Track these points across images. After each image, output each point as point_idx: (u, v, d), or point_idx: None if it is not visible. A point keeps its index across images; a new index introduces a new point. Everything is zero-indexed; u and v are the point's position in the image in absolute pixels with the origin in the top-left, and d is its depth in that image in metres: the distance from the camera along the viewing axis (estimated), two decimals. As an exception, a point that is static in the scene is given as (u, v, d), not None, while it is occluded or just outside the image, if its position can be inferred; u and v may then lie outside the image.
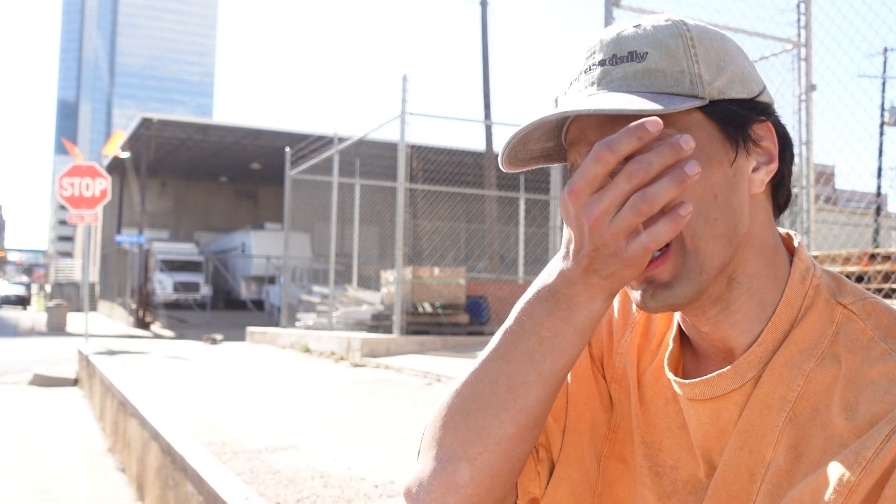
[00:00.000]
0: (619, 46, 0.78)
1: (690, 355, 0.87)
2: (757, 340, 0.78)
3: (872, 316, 0.77)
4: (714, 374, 0.79)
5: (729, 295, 0.79)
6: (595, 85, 0.78)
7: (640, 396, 0.88)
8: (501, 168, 0.83)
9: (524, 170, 0.86)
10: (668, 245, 0.76)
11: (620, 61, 0.77)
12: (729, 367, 0.79)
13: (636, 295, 0.79)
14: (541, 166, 0.86)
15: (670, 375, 0.84)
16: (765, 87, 0.82)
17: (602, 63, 0.78)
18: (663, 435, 0.85)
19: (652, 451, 0.85)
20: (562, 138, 0.84)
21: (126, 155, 19.00)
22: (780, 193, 0.83)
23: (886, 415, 0.70)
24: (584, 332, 0.75)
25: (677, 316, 0.89)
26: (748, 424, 0.77)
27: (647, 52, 0.77)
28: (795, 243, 0.85)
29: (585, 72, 0.79)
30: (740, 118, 0.78)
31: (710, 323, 0.81)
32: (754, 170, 0.80)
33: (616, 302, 0.96)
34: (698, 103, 0.75)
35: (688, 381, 0.81)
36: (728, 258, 0.78)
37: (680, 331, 0.89)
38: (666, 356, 0.87)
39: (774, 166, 0.80)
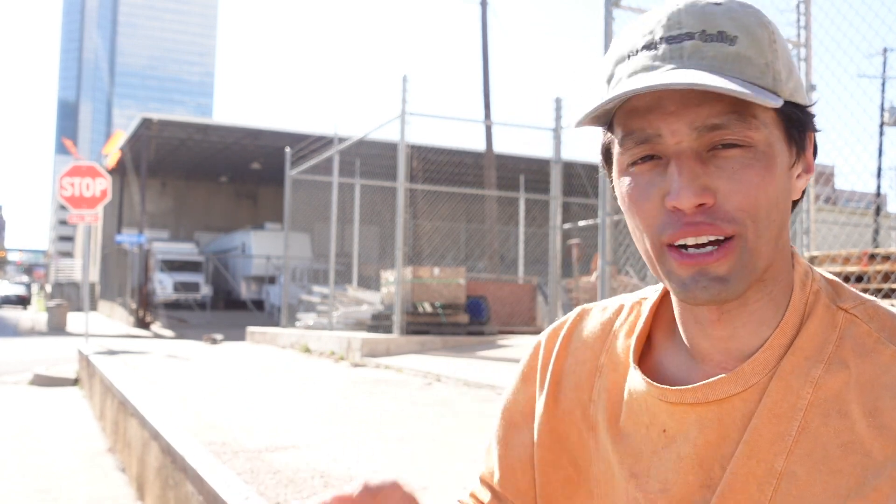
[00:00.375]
0: (707, 22, 0.75)
1: (684, 359, 0.85)
2: (764, 345, 0.78)
3: (875, 318, 0.77)
4: (716, 378, 0.78)
5: (752, 294, 0.79)
6: (684, 58, 0.74)
7: (622, 431, 0.86)
8: (574, 126, 0.80)
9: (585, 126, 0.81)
10: (728, 238, 0.74)
11: (710, 39, 0.74)
12: (733, 371, 0.78)
13: (682, 285, 0.76)
14: (592, 126, 0.82)
15: (646, 384, 0.83)
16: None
17: (690, 36, 0.74)
18: (650, 461, 0.83)
19: (642, 480, 0.83)
20: (616, 105, 0.79)
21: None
22: (798, 201, 0.84)
23: None
24: None
25: (635, 336, 0.88)
26: (757, 434, 0.76)
27: (736, 37, 0.74)
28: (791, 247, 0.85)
29: (668, 41, 0.75)
30: (803, 124, 0.78)
31: (726, 318, 0.79)
32: (798, 177, 0.80)
33: (572, 354, 0.94)
34: (781, 101, 0.73)
35: (689, 386, 0.80)
36: (772, 261, 0.78)
37: (644, 346, 0.89)
38: (641, 379, 0.85)
39: (811, 175, 0.81)
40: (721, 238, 0.74)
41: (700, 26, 0.74)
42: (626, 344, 0.90)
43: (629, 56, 0.77)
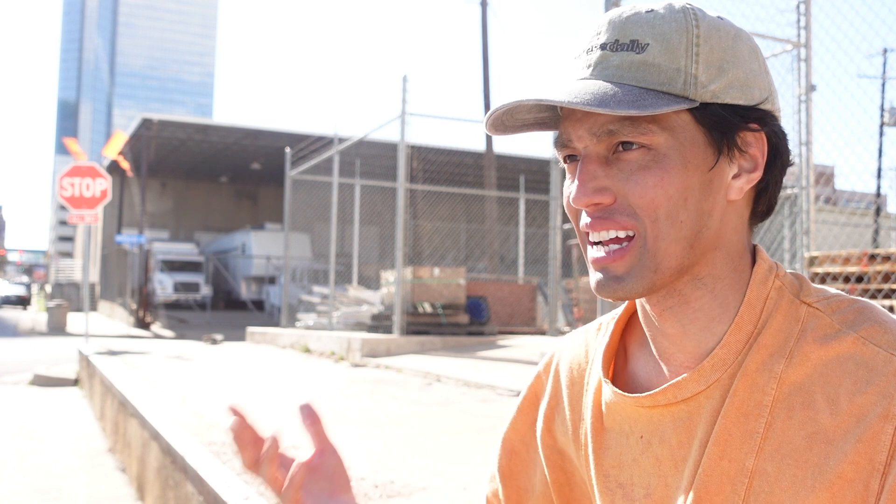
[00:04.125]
0: (623, 31, 0.77)
1: (653, 365, 0.87)
2: (721, 343, 0.79)
3: (837, 311, 0.78)
4: (680, 377, 0.80)
5: (691, 293, 0.80)
6: (591, 68, 0.78)
7: (605, 443, 0.88)
8: (487, 132, 0.85)
9: (515, 135, 0.88)
10: (630, 237, 0.77)
11: (620, 48, 0.77)
12: (694, 370, 0.79)
13: (594, 280, 0.81)
14: (534, 132, 0.87)
15: (612, 393, 0.85)
16: (770, 95, 0.80)
17: (603, 46, 0.78)
18: (632, 468, 0.85)
19: (627, 489, 0.85)
20: (558, 108, 0.83)
21: (126, 164, 18.76)
22: (760, 201, 0.83)
23: (872, 407, 0.70)
24: None
25: (602, 350, 0.90)
26: (726, 433, 0.77)
27: (648, 44, 0.76)
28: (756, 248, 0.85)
29: (587, 52, 0.79)
30: (728, 124, 0.77)
31: (669, 314, 0.81)
32: (735, 176, 0.79)
33: (564, 379, 0.97)
34: (686, 105, 0.74)
35: (656, 389, 0.81)
36: (689, 260, 0.78)
37: (615, 353, 0.91)
38: (610, 391, 0.87)
39: (757, 175, 0.80)
40: (622, 236, 0.78)
41: (615, 36, 0.78)
42: (601, 359, 0.92)
43: (565, 65, 0.82)
